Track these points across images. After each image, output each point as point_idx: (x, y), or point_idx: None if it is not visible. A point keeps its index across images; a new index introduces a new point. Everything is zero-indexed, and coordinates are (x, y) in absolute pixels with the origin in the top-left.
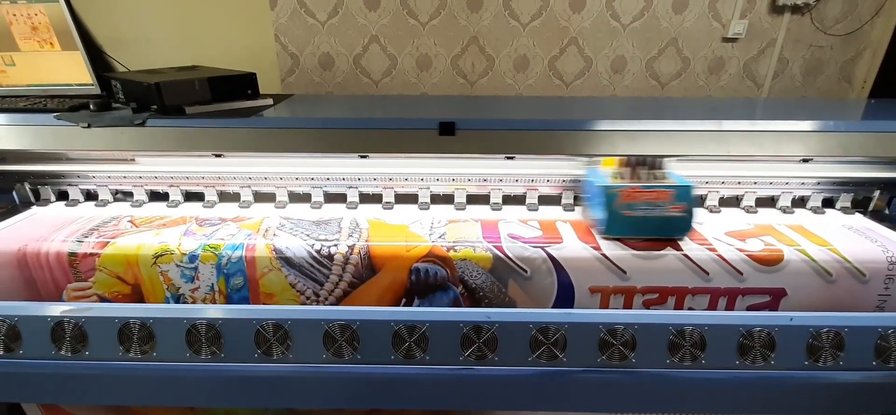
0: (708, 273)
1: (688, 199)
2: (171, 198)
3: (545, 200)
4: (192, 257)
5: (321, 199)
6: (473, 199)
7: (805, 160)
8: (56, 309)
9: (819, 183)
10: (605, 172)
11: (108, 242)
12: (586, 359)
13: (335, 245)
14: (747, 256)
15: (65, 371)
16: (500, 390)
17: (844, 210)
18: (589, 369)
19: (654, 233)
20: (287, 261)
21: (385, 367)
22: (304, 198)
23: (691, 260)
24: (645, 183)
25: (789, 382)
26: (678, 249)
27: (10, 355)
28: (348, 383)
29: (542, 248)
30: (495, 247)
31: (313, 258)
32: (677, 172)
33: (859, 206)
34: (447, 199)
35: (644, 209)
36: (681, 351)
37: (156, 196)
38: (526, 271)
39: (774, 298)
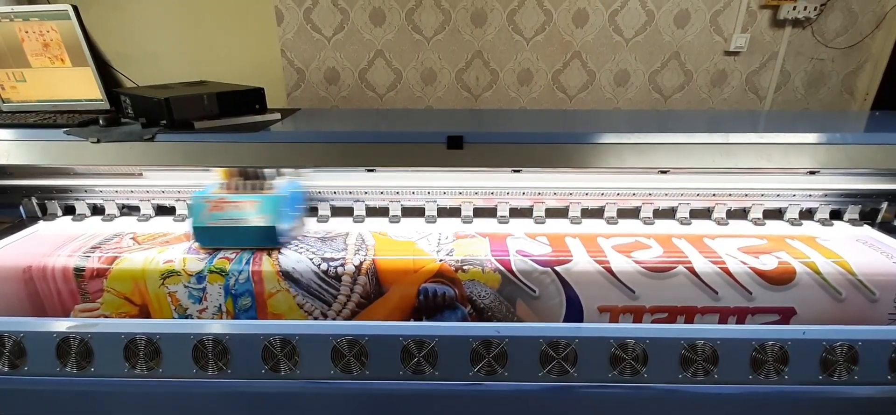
0: (717, 292)
1: (274, 210)
2: (177, 212)
3: (552, 212)
4: (200, 278)
5: (328, 212)
6: (480, 212)
7: (812, 172)
8: (61, 325)
9: (826, 195)
10: (214, 182)
11: (114, 261)
12: (597, 374)
13: (342, 265)
14: (756, 274)
15: (70, 388)
16: (510, 405)
17: (852, 222)
18: (600, 384)
19: (239, 243)
20: (295, 282)
21: (394, 382)
22: (312, 211)
23: (700, 279)
24: (232, 194)
25: (803, 396)
26: (688, 267)
27: (14, 371)
28: (356, 399)
29: (551, 267)
30: (503, 266)
31: (321, 279)
32: (306, 183)
33: (867, 218)
34: (454, 212)
35: (227, 219)
36: (693, 366)
37: (162, 210)
38: (534, 291)
39: (784, 317)
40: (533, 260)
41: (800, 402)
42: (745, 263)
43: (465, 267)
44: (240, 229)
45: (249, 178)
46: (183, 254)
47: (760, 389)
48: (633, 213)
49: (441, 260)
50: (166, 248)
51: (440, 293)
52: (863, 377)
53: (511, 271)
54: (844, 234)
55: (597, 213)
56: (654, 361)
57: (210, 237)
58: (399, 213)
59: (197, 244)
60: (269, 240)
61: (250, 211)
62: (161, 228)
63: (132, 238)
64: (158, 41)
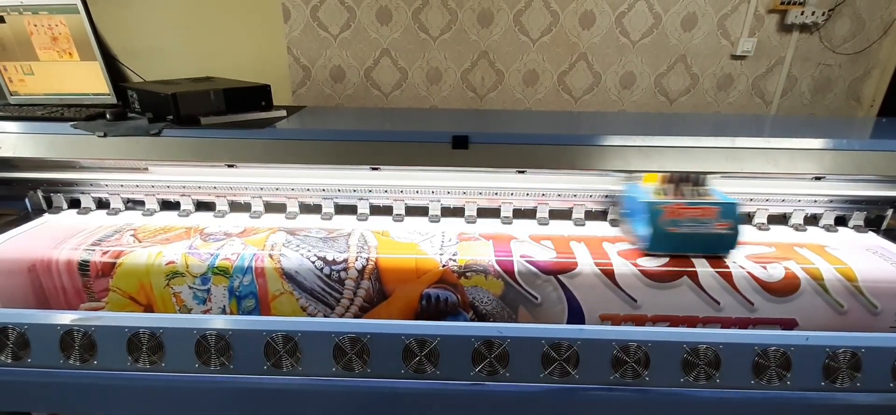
0: (719, 303)
1: (733, 216)
2: (182, 207)
3: (555, 214)
4: (205, 279)
5: (332, 210)
6: (484, 212)
7: (817, 178)
8: (65, 317)
9: (831, 201)
10: (647, 188)
11: (118, 260)
12: (599, 376)
13: (345, 269)
14: (759, 285)
15: (73, 381)
16: (512, 406)
17: (857, 228)
18: (601, 386)
19: (698, 250)
20: (299, 285)
21: (395, 381)
22: (315, 209)
23: (702, 289)
24: (690, 200)
25: (806, 403)
26: (691, 277)
27: (18, 363)
28: (358, 397)
29: (554, 274)
30: (506, 273)
31: (324, 282)
32: (721, 189)
33: (872, 224)
34: (457, 212)
35: (689, 226)
36: (695, 370)
37: (167, 205)
38: (536, 298)
39: (785, 329)
40: (536, 267)
41: (802, 408)
42: (748, 274)
43: (467, 273)
44: (701, 236)
45: (684, 182)
46: (184, 253)
47: (763, 394)
48: None
49: (444, 265)
50: (166, 247)
51: (443, 299)
52: (866, 385)
53: (513, 278)
54: (851, 241)
55: (601, 215)
56: (656, 364)
57: (666, 244)
58: (403, 212)
59: (647, 249)
60: (728, 246)
61: (711, 218)
62: (165, 223)
63: (132, 234)
64: (166, 37)
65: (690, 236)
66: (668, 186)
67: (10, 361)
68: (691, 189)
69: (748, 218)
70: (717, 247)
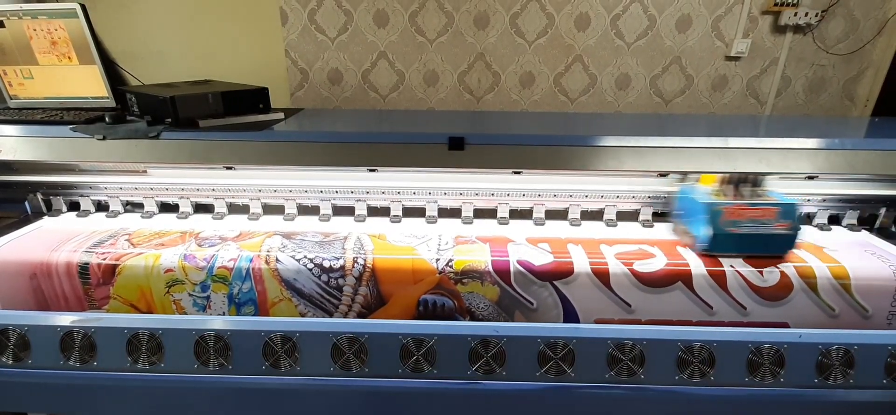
0: (712, 307)
1: (792, 217)
2: (181, 209)
3: (551, 214)
4: (204, 287)
5: (329, 211)
6: (480, 213)
7: (811, 177)
8: (65, 319)
9: (825, 200)
10: (704, 189)
11: (118, 267)
12: (595, 374)
13: (342, 276)
14: (752, 289)
15: (73, 382)
16: (508, 404)
17: (850, 227)
18: (597, 384)
19: (757, 250)
20: (297, 291)
21: (393, 380)
22: (313, 210)
23: (696, 294)
24: (750, 201)
25: (799, 399)
26: (686, 281)
27: (19, 364)
28: (356, 396)
29: (549, 280)
30: (502, 279)
31: (322, 288)
32: (779, 190)
33: (865, 223)
34: (454, 213)
35: (749, 227)
36: (690, 367)
37: (166, 208)
38: (532, 303)
39: None
40: (532, 272)
41: (796, 405)
42: (741, 277)
43: (464, 279)
44: (761, 237)
45: (742, 183)
46: (181, 262)
47: (756, 391)
48: (632, 215)
49: (441, 271)
50: (160, 252)
51: (440, 304)
52: (859, 381)
53: (509, 284)
54: (844, 240)
55: (596, 215)
56: (651, 362)
57: (726, 244)
58: (400, 213)
59: (706, 250)
60: (787, 246)
61: (771, 219)
62: (162, 227)
63: (127, 239)
64: (164, 40)
65: (750, 237)
66: (726, 188)
67: (10, 362)
68: (750, 190)
69: None
70: (777, 247)
